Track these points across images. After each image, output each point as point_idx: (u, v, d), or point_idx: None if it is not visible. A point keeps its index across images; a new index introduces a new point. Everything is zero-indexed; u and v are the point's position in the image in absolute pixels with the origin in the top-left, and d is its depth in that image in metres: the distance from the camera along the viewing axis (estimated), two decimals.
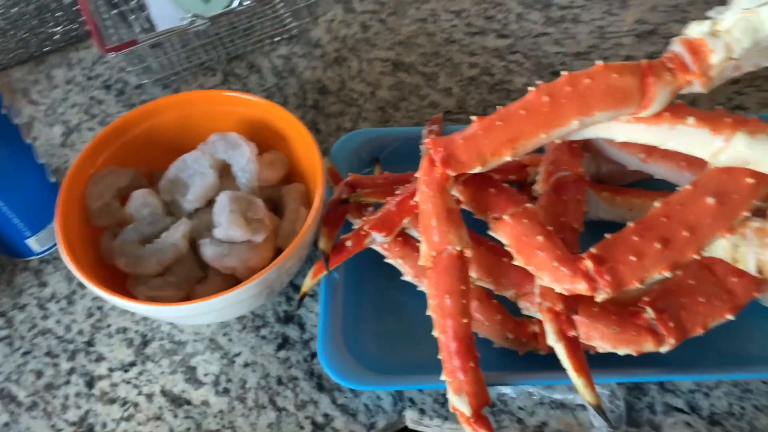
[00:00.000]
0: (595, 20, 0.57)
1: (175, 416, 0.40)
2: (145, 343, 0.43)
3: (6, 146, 0.40)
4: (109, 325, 0.44)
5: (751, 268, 0.35)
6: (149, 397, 0.41)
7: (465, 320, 0.35)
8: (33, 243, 0.45)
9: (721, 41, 0.34)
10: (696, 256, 0.34)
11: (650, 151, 0.40)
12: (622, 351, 0.36)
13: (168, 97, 0.44)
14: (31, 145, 0.43)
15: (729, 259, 0.36)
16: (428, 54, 0.56)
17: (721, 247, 0.36)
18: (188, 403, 0.40)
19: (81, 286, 0.45)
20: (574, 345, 0.34)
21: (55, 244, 0.46)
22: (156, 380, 0.41)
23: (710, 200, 0.34)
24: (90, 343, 0.43)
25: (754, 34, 0.33)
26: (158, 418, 0.40)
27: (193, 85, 0.56)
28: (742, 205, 0.34)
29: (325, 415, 0.39)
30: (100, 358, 0.42)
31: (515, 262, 0.36)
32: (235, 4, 0.50)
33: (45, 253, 0.46)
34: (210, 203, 0.42)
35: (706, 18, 0.35)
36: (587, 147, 0.43)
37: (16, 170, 0.42)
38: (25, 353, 0.43)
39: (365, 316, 0.42)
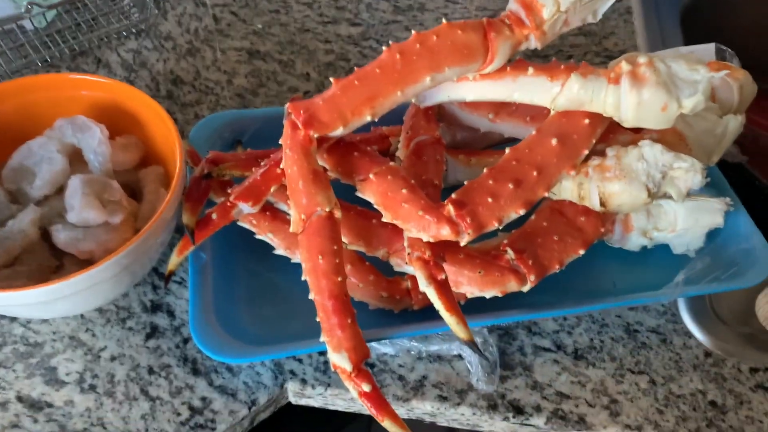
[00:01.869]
0: (440, 8, 0.60)
1: (35, 421, 0.37)
2: None
3: None
4: None
5: (594, 202, 0.38)
6: (3, 405, 0.37)
7: (339, 278, 0.35)
8: None
9: None
10: (546, 194, 0.36)
11: (497, 110, 0.43)
12: (488, 293, 0.38)
13: (7, 83, 0.41)
14: None
15: (576, 198, 0.39)
16: (283, 42, 0.57)
17: (568, 189, 0.39)
18: (49, 405, 0.37)
19: None
20: (444, 287, 0.35)
21: None
22: (10, 386, 0.38)
23: (554, 141, 0.37)
24: None
25: None
26: (15, 426, 0.36)
27: None
28: (582, 145, 0.37)
29: (203, 399, 0.38)
30: None
31: (384, 220, 0.37)
32: None
33: None
34: (60, 190, 0.39)
35: None
36: (441, 116, 0.46)
37: None
38: None
39: (238, 294, 0.41)
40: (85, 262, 0.37)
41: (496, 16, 0.59)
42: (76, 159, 0.40)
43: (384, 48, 0.37)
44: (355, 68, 0.37)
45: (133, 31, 0.56)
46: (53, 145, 0.39)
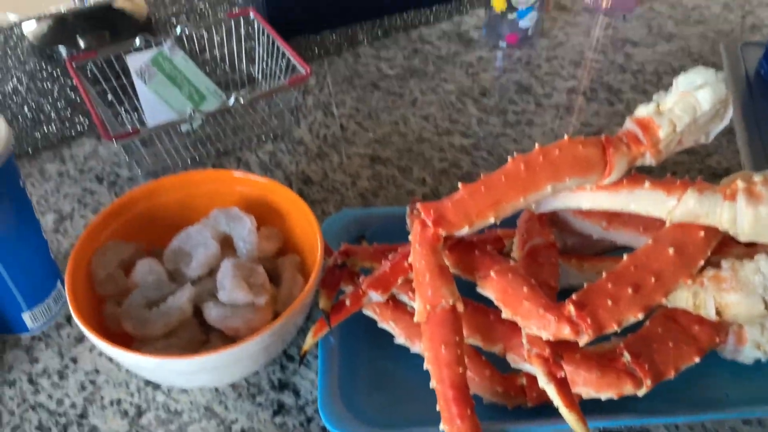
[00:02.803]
0: (547, 123, 0.65)
1: None
2: (140, 413, 0.43)
3: (19, 219, 0.42)
4: (102, 398, 0.44)
5: (710, 312, 0.39)
6: None
7: (460, 369, 0.38)
8: (28, 318, 0.46)
9: (665, 118, 0.40)
10: (664, 301, 0.38)
11: (610, 219, 0.46)
12: (604, 395, 0.39)
13: (172, 177, 0.47)
14: (40, 221, 0.45)
15: (691, 307, 0.40)
16: (402, 150, 0.62)
17: (683, 298, 0.40)
18: None
19: (73, 360, 0.46)
20: (563, 385, 0.37)
21: (48, 321, 0.47)
22: None
23: (671, 251, 0.39)
24: (83, 416, 0.43)
25: (693, 112, 0.40)
26: None
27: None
28: (698, 255, 0.39)
29: None
30: (93, 430, 0.42)
31: (503, 316, 0.40)
32: (231, 101, 0.55)
33: (38, 331, 0.47)
34: (212, 272, 0.44)
35: (651, 101, 0.42)
36: (553, 222, 0.49)
37: (23, 244, 0.43)
38: (15, 428, 0.42)
39: (361, 378, 0.43)
40: (229, 339, 0.41)
41: (599, 132, 0.63)
42: (226, 245, 0.45)
43: (508, 158, 0.41)
44: (482, 174, 0.41)
45: (271, 136, 0.63)
46: (208, 232, 0.45)
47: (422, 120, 0.65)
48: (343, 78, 0.71)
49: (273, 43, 0.63)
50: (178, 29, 0.62)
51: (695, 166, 0.60)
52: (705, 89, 0.40)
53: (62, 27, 0.73)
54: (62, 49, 0.72)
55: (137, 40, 0.61)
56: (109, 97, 0.62)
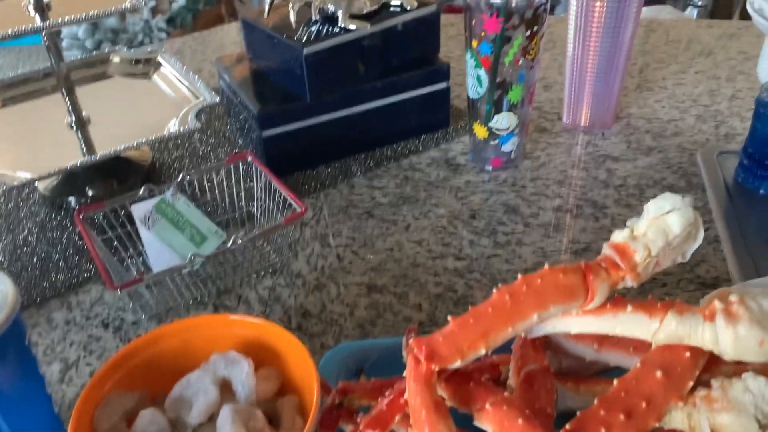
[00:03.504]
0: (536, 242, 0.67)
1: None
2: None
3: (23, 377, 0.44)
4: None
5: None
6: None
7: None
8: None
9: (640, 243, 0.42)
10: (657, 424, 0.38)
11: (601, 341, 0.46)
12: None
13: (172, 324, 0.49)
14: (45, 375, 0.46)
15: (686, 428, 0.40)
16: (397, 277, 0.64)
17: (678, 419, 0.41)
18: None
19: None
20: None
21: None
22: None
23: (658, 374, 0.39)
24: None
25: (665, 236, 0.42)
26: None
27: (185, 317, 0.61)
28: (686, 376, 0.40)
29: None
30: None
31: None
32: (230, 243, 0.58)
33: None
34: (212, 417, 0.44)
35: (626, 227, 0.44)
36: (547, 345, 0.49)
37: (27, 401, 0.44)
38: None
39: None
40: None
41: (587, 249, 0.65)
42: (226, 388, 0.46)
43: (494, 289, 0.42)
44: (470, 307, 0.42)
45: (270, 270, 0.65)
46: (208, 378, 0.46)
47: (416, 245, 0.68)
48: (338, 209, 0.74)
49: (269, 183, 0.66)
50: (180, 176, 0.66)
51: (685, 276, 0.61)
52: (674, 214, 0.42)
53: (72, 179, 0.77)
54: (72, 200, 0.76)
55: (141, 190, 0.65)
56: (115, 244, 0.65)
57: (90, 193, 0.77)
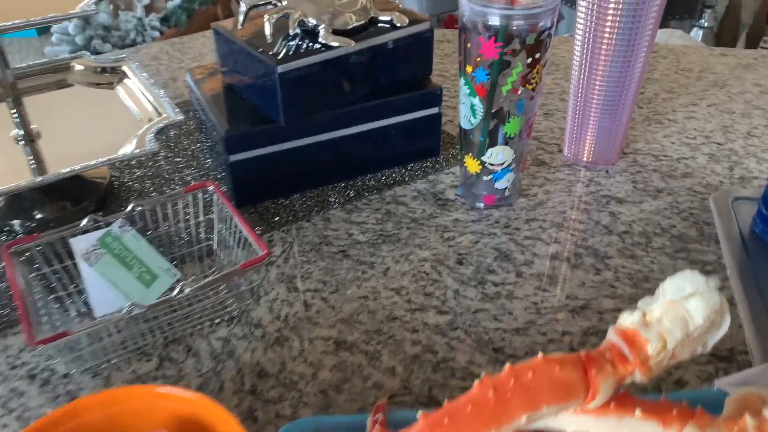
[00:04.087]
0: (529, 296, 0.59)
1: None
2: None
3: None
4: None
5: None
6: None
7: None
8: None
9: (654, 331, 0.35)
10: None
11: None
12: None
13: (96, 395, 0.41)
14: None
15: None
16: (370, 332, 0.56)
17: None
18: None
19: None
20: None
21: None
22: None
23: None
24: None
25: (685, 325, 0.34)
26: None
27: (126, 372, 0.53)
28: None
29: None
30: None
31: None
32: (175, 292, 0.50)
33: None
34: None
35: (635, 308, 0.36)
36: None
37: None
38: None
39: None
40: None
41: (586, 307, 0.58)
42: None
43: (476, 364, 0.35)
44: (445, 402, 0.35)
45: (227, 317, 0.57)
46: None
47: (394, 293, 0.60)
48: (311, 245, 0.66)
49: (231, 219, 0.59)
50: (130, 206, 0.59)
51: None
52: (695, 299, 0.35)
53: (17, 200, 0.69)
54: (16, 223, 0.68)
55: (85, 220, 0.57)
56: (54, 280, 0.57)
57: (38, 216, 0.69)
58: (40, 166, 0.68)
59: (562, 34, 1.88)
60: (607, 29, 0.67)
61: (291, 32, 0.67)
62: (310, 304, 0.59)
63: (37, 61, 0.80)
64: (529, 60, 0.61)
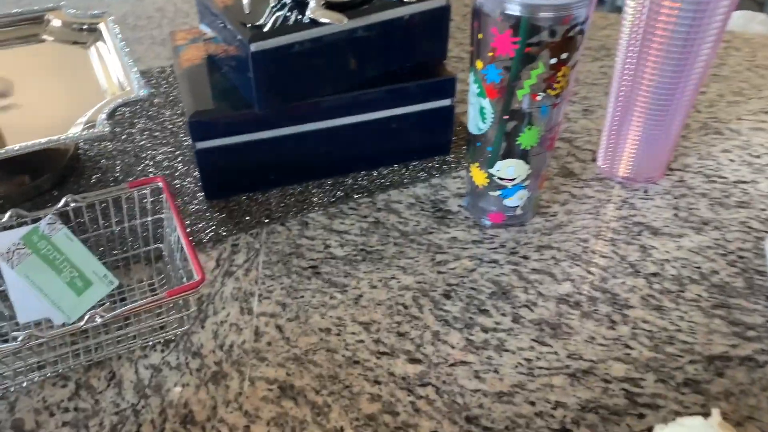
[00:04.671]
0: (523, 350, 0.49)
1: None
2: None
3: None
4: None
5: None
6: None
7: None
8: None
9: None
10: None
11: None
12: None
13: None
14: None
15: None
16: (324, 377, 0.47)
17: None
18: None
19: None
20: None
21: None
22: None
23: None
24: None
25: None
26: None
27: (35, 398, 0.46)
28: None
29: None
30: None
31: None
32: (84, 321, 0.42)
33: None
34: None
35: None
36: None
37: None
38: None
39: None
40: None
41: (590, 371, 0.47)
42: None
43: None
44: None
45: (162, 341, 0.49)
46: None
47: (362, 329, 0.51)
48: (279, 256, 0.57)
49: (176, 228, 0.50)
50: (63, 201, 0.50)
51: None
52: None
53: None
54: None
55: (7, 215, 0.49)
56: None
57: None
58: None
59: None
60: (665, 9, 0.53)
61: (279, 1, 0.56)
62: (262, 332, 0.51)
63: (12, 11, 0.71)
64: (553, 60, 0.49)
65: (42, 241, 0.50)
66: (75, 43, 0.70)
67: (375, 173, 0.65)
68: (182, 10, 0.98)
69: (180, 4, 1.00)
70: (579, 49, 0.49)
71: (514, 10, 0.47)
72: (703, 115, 0.75)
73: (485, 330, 0.51)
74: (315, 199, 0.63)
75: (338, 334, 0.50)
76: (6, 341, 0.49)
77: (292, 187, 0.64)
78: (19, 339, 0.41)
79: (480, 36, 0.50)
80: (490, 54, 0.50)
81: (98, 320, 0.42)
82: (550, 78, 0.50)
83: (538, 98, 0.51)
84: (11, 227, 0.50)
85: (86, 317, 0.42)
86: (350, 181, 0.64)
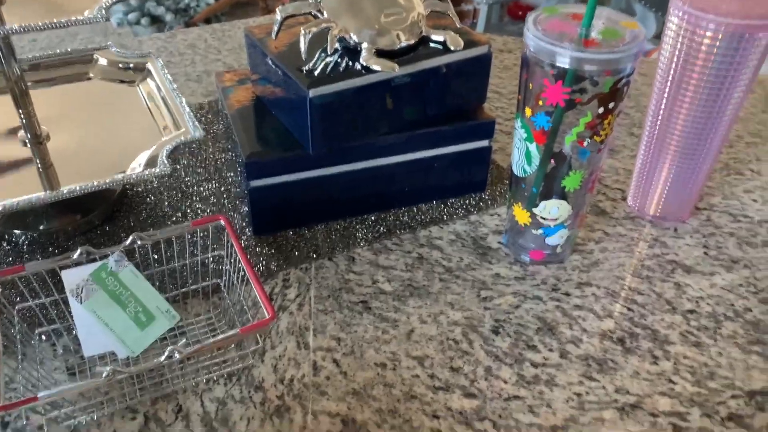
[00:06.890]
0: (573, 384, 0.51)
1: None
2: None
3: None
4: None
5: None
6: None
7: None
8: None
9: None
10: None
11: None
12: None
13: None
14: None
15: None
16: (384, 411, 0.49)
17: None
18: None
19: None
20: None
21: None
22: None
23: None
24: None
25: None
26: None
27: (107, 430, 0.48)
28: None
29: None
30: None
31: None
32: (163, 357, 0.44)
33: None
34: None
35: None
36: None
37: None
38: None
39: None
40: None
41: (638, 405, 0.49)
42: None
43: None
44: None
45: (225, 375, 0.51)
46: None
47: (417, 363, 0.53)
48: (330, 291, 0.59)
49: (239, 262, 0.52)
50: (130, 239, 0.52)
51: None
52: None
53: (24, 210, 0.64)
54: (18, 233, 0.63)
55: (78, 252, 0.51)
56: (43, 314, 0.51)
57: (41, 227, 0.63)
58: (47, 173, 0.63)
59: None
60: (701, 56, 0.56)
61: (330, 49, 0.59)
62: (320, 366, 0.52)
63: (58, 51, 0.74)
64: (601, 110, 0.52)
65: (110, 278, 0.51)
66: (122, 81, 0.72)
67: (415, 209, 0.68)
68: (213, 46, 1.01)
69: (210, 40, 1.03)
70: (624, 98, 0.52)
71: (564, 62, 0.50)
72: (725, 156, 0.79)
73: (535, 365, 0.53)
74: (359, 234, 0.65)
75: (394, 369, 0.52)
76: (73, 374, 0.51)
77: (336, 222, 0.66)
78: (104, 375, 0.43)
79: (530, 86, 0.53)
80: (540, 102, 0.52)
81: (176, 356, 0.44)
82: (597, 125, 0.53)
83: (584, 144, 0.54)
84: (80, 263, 0.51)
85: (166, 353, 0.44)
86: (392, 217, 0.67)
